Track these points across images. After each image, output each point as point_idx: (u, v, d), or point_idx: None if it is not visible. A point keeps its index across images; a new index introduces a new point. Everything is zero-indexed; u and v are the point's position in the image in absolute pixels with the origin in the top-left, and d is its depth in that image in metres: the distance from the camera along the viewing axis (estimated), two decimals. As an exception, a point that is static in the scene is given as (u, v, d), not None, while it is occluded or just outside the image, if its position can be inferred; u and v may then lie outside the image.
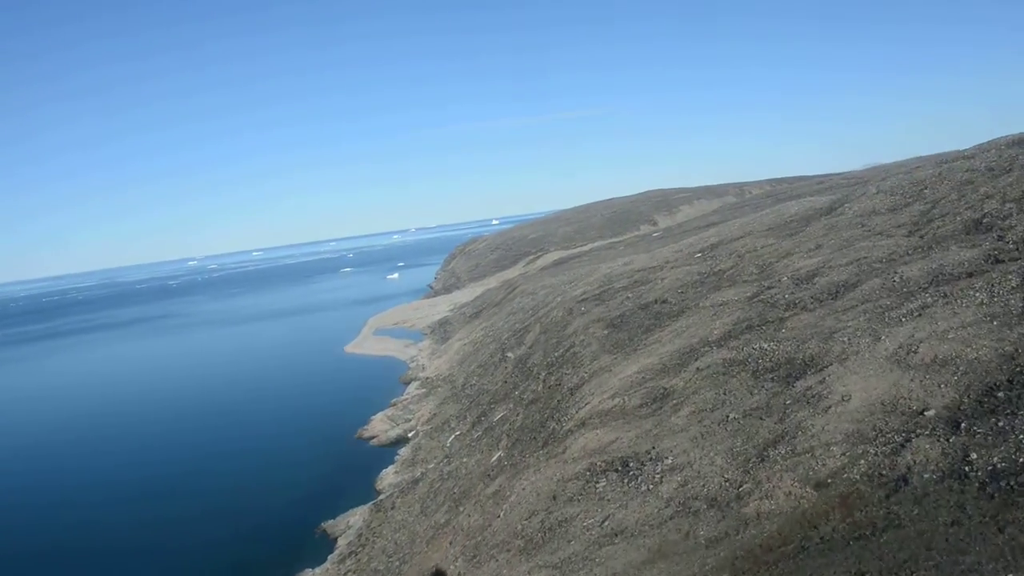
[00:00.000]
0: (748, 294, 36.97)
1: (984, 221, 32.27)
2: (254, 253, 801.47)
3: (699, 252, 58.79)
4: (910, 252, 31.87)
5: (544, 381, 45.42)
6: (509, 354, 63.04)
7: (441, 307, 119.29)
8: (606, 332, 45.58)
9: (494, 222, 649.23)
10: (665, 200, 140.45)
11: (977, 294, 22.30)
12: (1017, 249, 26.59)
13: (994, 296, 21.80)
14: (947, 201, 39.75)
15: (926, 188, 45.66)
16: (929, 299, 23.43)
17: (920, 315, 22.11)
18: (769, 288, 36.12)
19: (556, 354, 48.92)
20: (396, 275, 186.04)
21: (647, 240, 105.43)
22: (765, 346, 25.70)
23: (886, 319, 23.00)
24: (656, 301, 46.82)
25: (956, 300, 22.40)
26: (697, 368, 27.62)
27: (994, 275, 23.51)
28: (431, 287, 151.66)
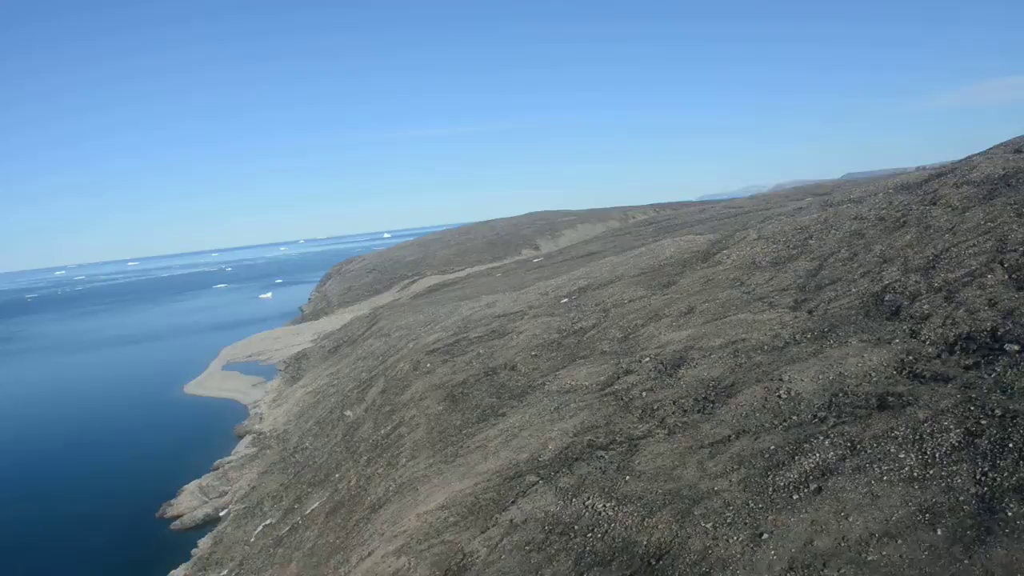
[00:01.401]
0: (603, 378, 28.72)
1: (887, 298, 25.19)
2: (129, 263, 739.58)
3: (566, 296, 50.88)
4: (798, 338, 24.35)
5: (359, 473, 35.90)
6: (348, 412, 53.16)
7: (304, 336, 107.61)
8: (440, 408, 36.56)
9: (386, 235, 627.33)
10: (549, 223, 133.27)
11: (902, 454, 14.55)
12: (939, 356, 19.25)
13: (927, 461, 14.07)
14: (837, 260, 32.95)
15: (811, 238, 39.12)
16: (831, 452, 15.54)
17: (820, 492, 14.13)
18: (627, 373, 27.97)
19: (383, 431, 39.52)
20: (269, 294, 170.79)
21: (525, 267, 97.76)
22: (600, 507, 17.22)
23: (770, 491, 14.90)
24: (505, 366, 38.27)
25: (871, 463, 14.56)
26: (512, 522, 18.89)
27: (919, 412, 15.87)
28: (302, 310, 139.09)
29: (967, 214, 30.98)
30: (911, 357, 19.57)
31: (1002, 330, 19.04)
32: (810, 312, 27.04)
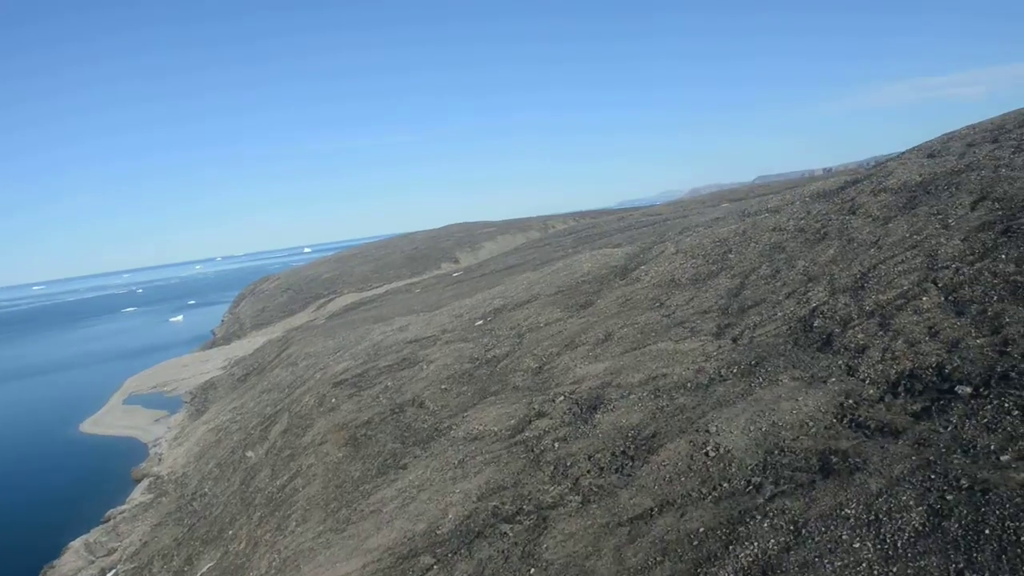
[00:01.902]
0: (513, 421, 25.50)
1: (816, 324, 22.81)
2: (35, 287, 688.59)
3: (480, 319, 47.61)
4: (723, 374, 21.68)
5: (250, 534, 31.64)
6: (249, 453, 48.42)
7: (214, 363, 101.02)
8: (340, 455, 32.69)
9: (306, 250, 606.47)
10: (469, 235, 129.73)
11: (856, 542, 11.73)
12: (883, 399, 16.74)
13: (888, 554, 11.28)
14: (759, 277, 30.67)
15: (730, 251, 36.98)
16: (771, 538, 12.62)
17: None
18: (539, 415, 24.83)
19: (279, 481, 35.33)
20: (180, 317, 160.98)
21: (444, 283, 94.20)
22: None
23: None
24: (413, 402, 34.71)
25: (820, 557, 11.69)
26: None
27: (871, 482, 13.18)
28: (214, 333, 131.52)
29: (890, 225, 29.14)
30: (851, 400, 16.99)
31: (949, 367, 16.66)
32: (734, 340, 24.47)
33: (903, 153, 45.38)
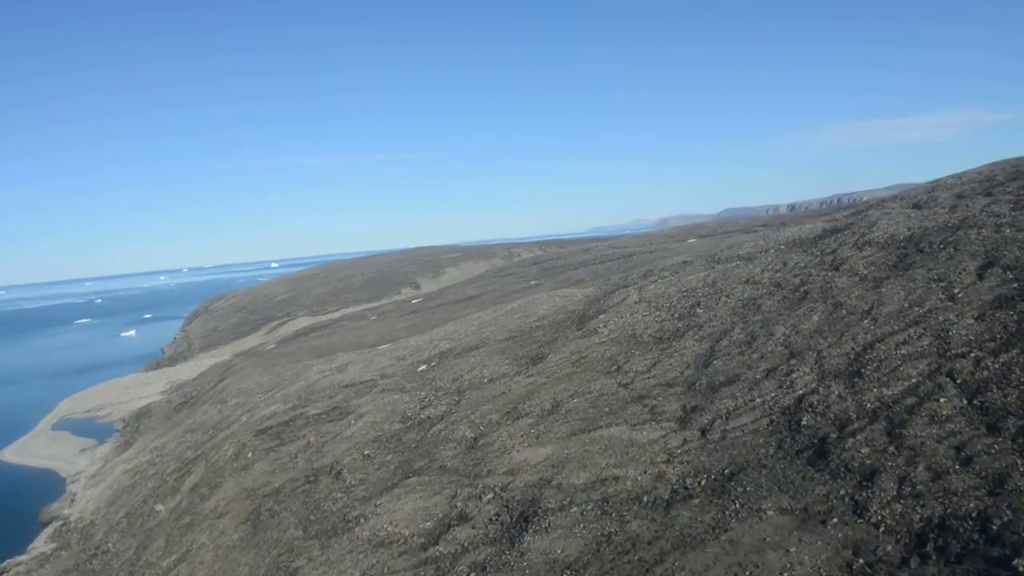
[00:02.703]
0: (430, 524, 20.22)
1: (804, 422, 17.98)
2: None
3: (424, 363, 42.33)
4: (689, 486, 16.70)
5: (116, 636, 25.94)
6: (159, 507, 42.25)
7: (156, 387, 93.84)
8: (236, 537, 27.06)
9: (274, 265, 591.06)
10: (432, 260, 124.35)
11: None
12: (906, 561, 11.86)
13: None
14: (732, 344, 25.87)
15: (698, 305, 32.25)
16: None
17: None
18: (462, 519, 19.56)
19: (166, 562, 29.47)
20: (133, 332, 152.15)
21: (401, 310, 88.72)
22: None
23: None
24: (330, 470, 29.30)
25: None
26: None
27: None
28: (163, 352, 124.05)
29: (883, 290, 24.59)
30: (862, 560, 12.08)
31: (997, 521, 11.85)
32: (703, 433, 19.53)
33: (884, 201, 41.36)
